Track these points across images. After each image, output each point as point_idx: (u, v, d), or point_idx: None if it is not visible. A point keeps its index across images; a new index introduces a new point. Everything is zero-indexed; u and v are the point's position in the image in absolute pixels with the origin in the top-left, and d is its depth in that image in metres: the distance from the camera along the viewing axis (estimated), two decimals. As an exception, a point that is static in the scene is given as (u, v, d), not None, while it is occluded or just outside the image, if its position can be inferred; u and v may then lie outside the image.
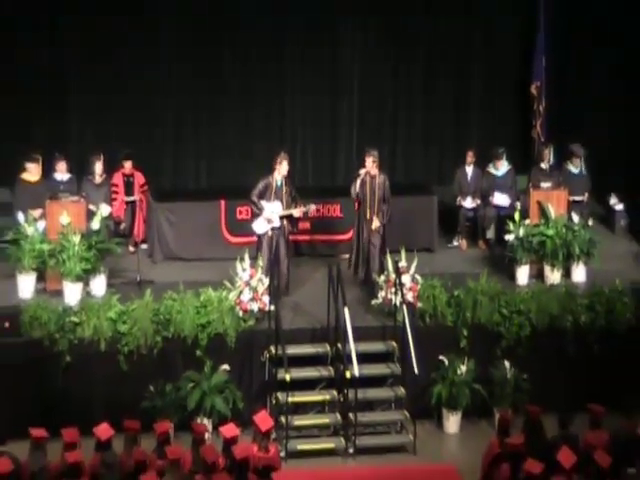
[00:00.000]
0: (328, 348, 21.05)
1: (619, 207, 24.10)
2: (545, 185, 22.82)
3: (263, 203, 21.45)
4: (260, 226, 21.55)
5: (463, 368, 21.17)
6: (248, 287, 21.01)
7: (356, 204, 22.02)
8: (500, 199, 23.47)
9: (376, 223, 21.57)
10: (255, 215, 21.64)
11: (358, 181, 21.76)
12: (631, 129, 24.99)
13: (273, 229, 21.54)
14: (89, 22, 24.20)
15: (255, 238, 21.74)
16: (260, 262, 21.37)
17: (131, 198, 23.00)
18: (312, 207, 21.94)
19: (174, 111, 24.93)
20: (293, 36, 24.94)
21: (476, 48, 25.36)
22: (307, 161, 24.88)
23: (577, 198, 23.06)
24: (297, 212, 21.77)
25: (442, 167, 24.48)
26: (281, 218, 21.56)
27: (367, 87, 25.29)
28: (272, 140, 23.79)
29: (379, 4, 24.86)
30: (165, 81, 24.77)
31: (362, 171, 21.76)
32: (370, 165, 21.72)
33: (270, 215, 21.46)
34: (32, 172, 22.21)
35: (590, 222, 22.78)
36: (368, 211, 21.79)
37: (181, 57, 24.72)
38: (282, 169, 21.51)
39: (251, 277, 21.08)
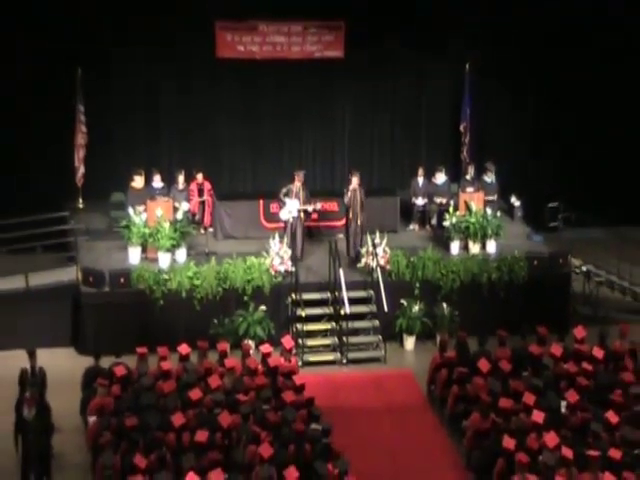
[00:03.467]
0: (329, 295, 21.06)
1: (517, 204, 24.00)
2: (469, 190, 22.79)
3: (286, 200, 21.42)
4: (284, 214, 21.53)
5: (416, 308, 21.17)
6: (277, 255, 21.01)
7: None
8: (440, 199, 23.34)
9: (359, 225, 21.62)
10: (281, 207, 21.61)
11: (349, 194, 21.65)
12: (526, 153, 24.94)
13: (293, 218, 21.50)
14: (184, 86, 24.21)
15: (282, 224, 21.67)
16: (285, 239, 21.35)
17: (202, 198, 22.83)
18: (318, 205, 21.96)
19: (232, 143, 24.77)
20: (307, 98, 24.81)
21: (425, 103, 25.19)
22: (316, 173, 24.71)
23: (490, 198, 22.91)
24: (309, 208, 21.75)
25: (403, 178, 24.30)
26: (298, 211, 21.52)
27: (354, 129, 25.15)
28: (294, 160, 23.68)
29: (360, 79, 24.76)
30: (226, 123, 24.58)
31: (351, 187, 21.64)
32: (356, 181, 21.65)
33: (291, 208, 21.42)
34: (138, 182, 22.17)
35: (498, 213, 22.64)
36: (351, 212, 21.68)
37: (239, 112, 24.57)
38: (297, 179, 21.52)
39: (279, 249, 21.08)
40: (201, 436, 16.04)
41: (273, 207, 22.28)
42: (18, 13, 22.66)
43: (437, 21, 24.15)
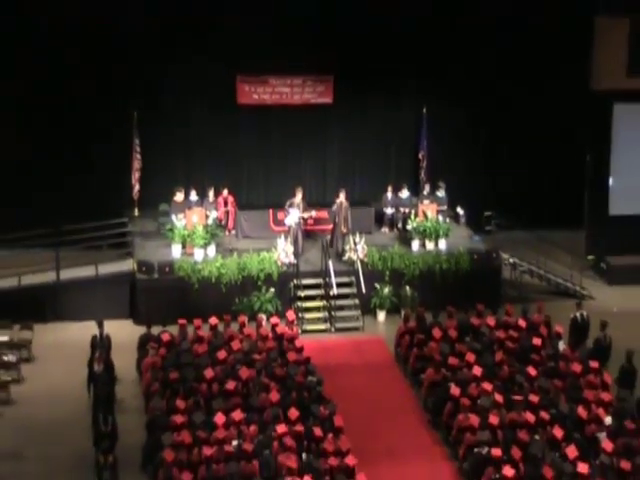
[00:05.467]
0: (322, 280, 20.97)
1: (461, 212, 23.76)
2: (426, 202, 22.63)
3: (290, 210, 21.38)
4: (288, 221, 21.47)
5: (386, 290, 21.15)
6: (283, 251, 21.00)
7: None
8: (404, 209, 23.18)
9: (344, 230, 21.54)
10: (286, 215, 21.54)
11: (334, 206, 21.72)
12: (468, 174, 24.77)
13: (295, 223, 21.45)
14: (217, 131, 24.03)
15: (287, 228, 21.60)
16: (289, 239, 21.31)
17: (226, 208, 22.72)
18: (313, 213, 21.92)
19: (248, 167, 24.47)
20: (305, 133, 24.57)
21: (393, 137, 24.90)
22: (312, 190, 24.38)
23: (441, 208, 22.75)
24: (306, 215, 21.73)
25: (376, 193, 23.98)
26: (299, 218, 21.50)
27: (340, 156, 24.87)
28: (295, 180, 23.26)
29: (344, 120, 24.58)
30: (245, 153, 24.32)
31: (338, 200, 21.69)
32: (343, 196, 21.67)
33: (293, 216, 21.39)
34: (179, 196, 21.93)
35: (447, 220, 22.65)
36: (337, 219, 21.67)
37: (254, 144, 24.30)
38: (298, 194, 21.45)
39: (285, 246, 21.08)
40: (230, 385, 16.13)
41: (279, 215, 22.13)
42: (86, 74, 22.72)
43: (401, 75, 24.06)
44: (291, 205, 21.50)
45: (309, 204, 22.02)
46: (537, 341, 18.15)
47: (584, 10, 23.73)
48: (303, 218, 21.65)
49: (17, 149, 22.50)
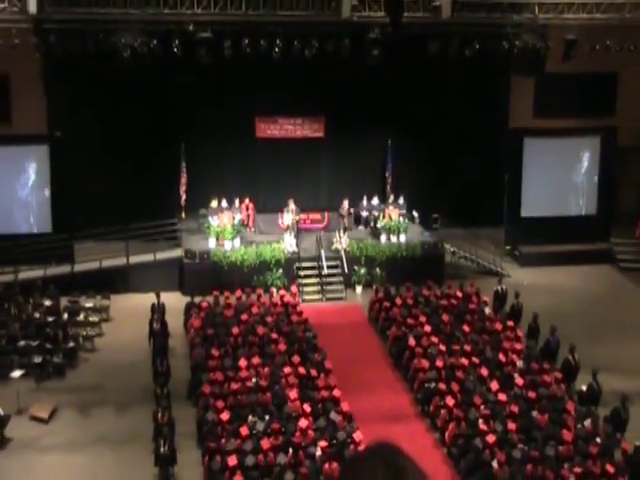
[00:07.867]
0: (316, 263, 20.77)
1: (416, 215, 23.32)
2: (391, 207, 22.37)
3: (286, 214, 21.17)
4: (285, 221, 21.27)
5: (362, 270, 20.94)
6: (288, 243, 20.85)
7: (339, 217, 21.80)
8: (375, 212, 22.91)
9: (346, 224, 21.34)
10: (283, 216, 21.35)
11: (340, 210, 21.62)
12: (421, 187, 24.20)
13: (291, 223, 21.21)
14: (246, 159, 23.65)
15: (286, 226, 21.33)
16: (292, 234, 21.11)
17: (248, 212, 22.46)
18: (302, 216, 21.65)
19: (264, 182, 23.92)
20: (304, 158, 24.17)
21: (367, 160, 24.40)
22: (309, 198, 23.94)
23: (401, 212, 22.37)
24: (297, 218, 21.39)
25: (355, 200, 23.52)
26: (293, 219, 21.30)
27: (329, 174, 24.45)
28: (296, 192, 22.84)
29: (333, 149, 24.24)
30: (261, 172, 23.83)
31: (342, 205, 21.65)
32: (347, 203, 21.63)
33: (287, 218, 21.17)
34: (214, 203, 21.63)
35: (406, 220, 22.47)
36: (341, 219, 21.58)
37: (268, 166, 23.78)
38: (290, 203, 21.23)
39: (289, 239, 20.89)
40: (251, 338, 16.06)
41: (285, 217, 21.99)
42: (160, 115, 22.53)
43: (373, 118, 23.82)
44: (287, 210, 21.31)
45: (306, 208, 21.77)
46: (470, 307, 18.15)
47: (504, 72, 23.77)
48: (297, 220, 21.41)
49: (98, 171, 22.41)
